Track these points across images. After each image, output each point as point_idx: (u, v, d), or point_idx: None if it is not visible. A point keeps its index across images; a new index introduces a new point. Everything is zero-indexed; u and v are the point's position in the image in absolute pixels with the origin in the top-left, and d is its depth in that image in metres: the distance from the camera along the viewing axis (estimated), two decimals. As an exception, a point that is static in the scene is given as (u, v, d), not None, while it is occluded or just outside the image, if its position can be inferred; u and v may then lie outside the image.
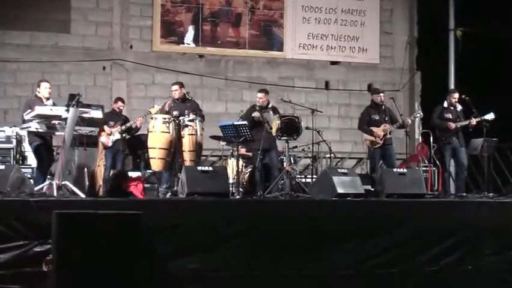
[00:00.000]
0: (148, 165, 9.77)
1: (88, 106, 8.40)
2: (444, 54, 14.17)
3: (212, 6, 13.82)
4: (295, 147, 11.07)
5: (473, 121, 10.29)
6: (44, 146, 9.11)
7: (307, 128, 9.95)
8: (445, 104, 10.65)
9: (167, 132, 8.95)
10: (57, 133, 8.53)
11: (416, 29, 14.87)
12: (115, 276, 5.94)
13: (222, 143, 10.68)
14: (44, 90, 9.24)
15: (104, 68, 13.26)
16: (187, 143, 9.04)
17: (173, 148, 8.99)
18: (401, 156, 11.53)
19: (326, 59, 14.39)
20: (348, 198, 8.05)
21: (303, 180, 11.20)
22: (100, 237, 5.93)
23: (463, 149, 10.45)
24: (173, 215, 6.86)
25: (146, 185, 10.28)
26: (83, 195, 7.85)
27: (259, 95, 10.15)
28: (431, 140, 12.04)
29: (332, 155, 11.67)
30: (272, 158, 9.88)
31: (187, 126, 9.06)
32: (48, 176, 8.48)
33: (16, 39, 12.81)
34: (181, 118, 9.16)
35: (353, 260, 7.32)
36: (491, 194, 9.43)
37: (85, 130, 8.43)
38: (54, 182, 7.81)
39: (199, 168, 8.14)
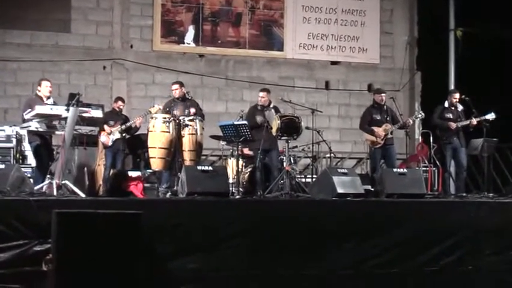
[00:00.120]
0: (148, 165, 9.78)
1: (88, 105, 8.40)
2: (444, 54, 14.17)
3: (212, 6, 13.82)
4: (296, 147, 11.07)
5: (474, 121, 10.28)
6: (44, 146, 9.10)
7: (307, 128, 9.95)
8: (446, 104, 10.66)
9: (167, 131, 8.95)
10: (57, 132, 8.52)
11: (416, 29, 14.87)
12: (115, 276, 5.94)
13: (222, 142, 10.69)
14: (45, 88, 9.24)
15: (104, 67, 13.26)
16: (187, 143, 9.05)
17: (174, 148, 8.99)
18: (401, 156, 11.54)
19: (326, 59, 14.39)
20: (348, 198, 8.05)
21: (303, 180, 11.20)
22: (99, 237, 5.93)
23: (463, 149, 10.46)
24: (173, 215, 6.86)
25: (146, 185, 10.29)
26: (83, 195, 7.85)
27: (261, 94, 10.15)
28: (431, 140, 12.05)
29: (332, 155, 11.67)
30: (272, 158, 9.89)
31: (187, 125, 9.07)
32: (48, 176, 8.48)
33: (17, 38, 12.81)
34: (181, 118, 9.17)
35: (353, 260, 7.32)
36: (491, 194, 9.43)
37: (85, 129, 8.43)
38: (54, 182, 7.81)
39: (199, 167, 8.14)
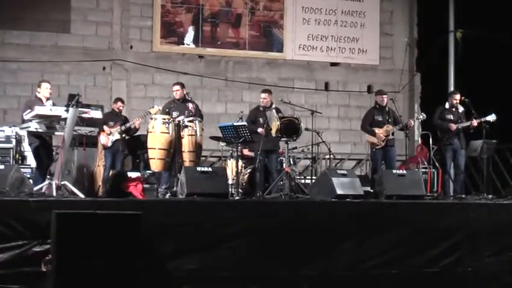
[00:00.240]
0: (147, 166, 9.78)
1: (88, 106, 8.40)
2: (444, 56, 14.16)
3: (212, 7, 13.82)
4: (295, 148, 11.08)
5: (474, 122, 10.28)
6: (43, 146, 9.10)
7: (306, 129, 9.96)
8: (447, 105, 10.66)
9: (166, 132, 8.95)
10: (56, 133, 8.52)
11: (416, 30, 14.88)
12: (114, 277, 5.95)
13: (222, 143, 10.69)
14: (44, 90, 9.23)
15: (104, 68, 13.26)
16: (186, 144, 9.05)
17: (173, 149, 8.99)
18: (401, 158, 11.54)
19: (325, 60, 14.39)
20: (347, 200, 8.05)
21: (303, 181, 11.21)
22: (99, 238, 5.93)
23: (462, 151, 10.45)
24: (172, 216, 6.86)
25: (145, 186, 10.29)
26: (82, 196, 7.84)
27: (263, 95, 10.15)
28: (431, 142, 12.05)
29: (332, 156, 11.69)
30: (272, 160, 9.90)
31: (186, 126, 9.07)
32: (48, 176, 8.49)
33: (16, 39, 12.81)
34: (180, 119, 9.18)
35: (352, 261, 7.32)
36: (490, 196, 9.43)
37: (84, 130, 8.43)
38: (54, 182, 7.81)
39: (199, 168, 8.14)
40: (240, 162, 9.80)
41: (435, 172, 11.90)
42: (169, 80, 12.52)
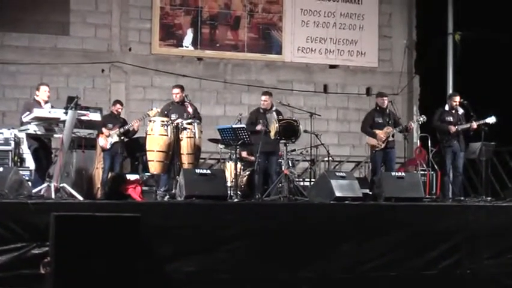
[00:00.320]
0: (146, 168, 9.78)
1: (87, 108, 8.41)
2: (442, 58, 14.18)
3: (211, 9, 13.82)
4: (294, 150, 11.06)
5: (474, 124, 10.28)
6: (42, 149, 9.10)
7: (305, 131, 9.96)
8: (446, 107, 10.66)
9: (165, 135, 8.96)
10: (55, 135, 8.53)
11: (415, 32, 14.88)
12: (113, 279, 5.95)
13: (220, 146, 10.69)
14: (43, 93, 9.24)
15: (103, 70, 13.25)
16: (185, 146, 9.05)
17: (172, 151, 9.00)
18: (400, 160, 11.54)
19: (324, 63, 14.39)
20: (346, 202, 8.05)
21: (301, 183, 11.21)
22: (97, 240, 5.94)
23: (461, 154, 10.45)
24: (171, 218, 6.87)
25: (144, 188, 10.26)
26: (81, 198, 7.84)
27: (264, 97, 10.16)
28: (429, 144, 12.05)
29: (330, 158, 11.68)
30: (272, 163, 9.90)
31: (185, 129, 9.07)
32: (47, 179, 8.49)
33: (15, 41, 12.80)
34: (179, 121, 9.18)
35: (350, 264, 7.33)
36: (489, 198, 9.42)
37: (83, 132, 8.43)
38: (53, 184, 7.81)
39: (198, 171, 8.16)
40: (239, 165, 9.80)
41: (434, 174, 11.90)
42: (168, 82, 12.52)
